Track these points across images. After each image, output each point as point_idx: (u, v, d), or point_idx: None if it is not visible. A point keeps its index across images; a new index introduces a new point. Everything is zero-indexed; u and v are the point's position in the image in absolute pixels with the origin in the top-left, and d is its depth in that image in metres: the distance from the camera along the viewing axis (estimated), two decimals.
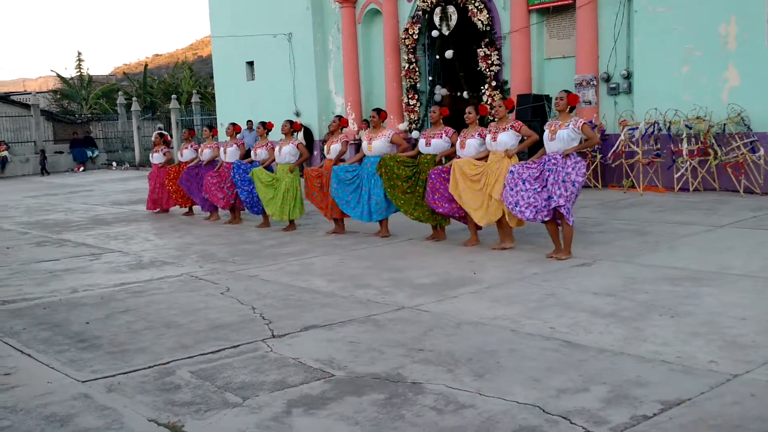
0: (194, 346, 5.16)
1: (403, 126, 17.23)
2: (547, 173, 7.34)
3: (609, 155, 12.93)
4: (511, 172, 7.51)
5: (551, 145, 7.38)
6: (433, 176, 8.47)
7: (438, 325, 5.39)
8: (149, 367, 4.74)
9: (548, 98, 13.86)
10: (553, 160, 7.33)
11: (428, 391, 4.08)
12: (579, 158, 7.30)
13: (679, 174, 12.26)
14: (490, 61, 15.22)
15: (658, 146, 12.58)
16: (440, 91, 16.82)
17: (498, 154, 7.88)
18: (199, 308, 6.27)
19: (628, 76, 13.43)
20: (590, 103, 13.85)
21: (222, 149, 11.62)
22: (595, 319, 5.29)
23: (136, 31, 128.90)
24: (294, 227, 10.54)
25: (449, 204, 8.36)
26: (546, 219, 7.46)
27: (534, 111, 13.68)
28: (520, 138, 7.88)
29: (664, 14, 12.64)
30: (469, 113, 8.35)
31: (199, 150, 12.39)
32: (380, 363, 4.59)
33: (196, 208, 13.05)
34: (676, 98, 12.47)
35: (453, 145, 8.51)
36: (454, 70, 16.81)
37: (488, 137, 8.00)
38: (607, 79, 13.72)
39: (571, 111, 7.55)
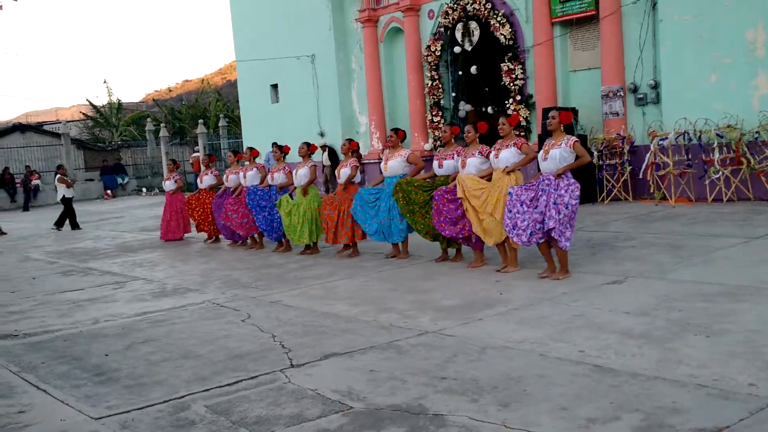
0: (211, 377, 5.03)
1: (428, 146, 17.10)
2: (541, 194, 7.16)
3: (643, 170, 12.60)
4: (510, 194, 7.35)
5: (544, 165, 7.19)
6: (436, 197, 8.32)
7: (462, 350, 5.20)
8: (165, 402, 4.62)
9: (575, 111, 13.62)
10: (546, 181, 7.14)
11: (451, 424, 3.89)
12: (573, 180, 7.09)
13: (710, 183, 11.92)
14: (514, 75, 15.05)
15: (689, 156, 12.27)
16: (464, 107, 16.67)
17: (500, 172, 7.69)
18: (218, 337, 6.15)
19: (656, 86, 13.15)
20: (618, 114, 13.59)
21: (242, 174, 11.43)
22: (627, 341, 5.06)
23: (165, 58, 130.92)
24: (316, 250, 10.37)
25: (453, 226, 8.19)
26: (542, 240, 7.26)
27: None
28: (521, 155, 7.63)
29: (690, 22, 12.38)
30: (468, 132, 8.18)
31: (224, 177, 12.16)
32: (401, 393, 4.42)
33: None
34: (705, 107, 12.16)
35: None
36: (478, 85, 16.66)
37: (492, 154, 7.82)
38: (635, 90, 13.46)
39: (565, 129, 7.36)
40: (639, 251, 8.34)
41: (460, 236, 8.26)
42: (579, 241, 9.33)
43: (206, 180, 12.76)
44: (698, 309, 5.70)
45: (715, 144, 11.78)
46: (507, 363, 4.83)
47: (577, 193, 7.05)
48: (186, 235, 13.60)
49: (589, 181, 13.25)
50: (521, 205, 7.25)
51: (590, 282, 7.00)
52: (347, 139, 10.16)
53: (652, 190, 12.73)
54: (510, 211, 7.34)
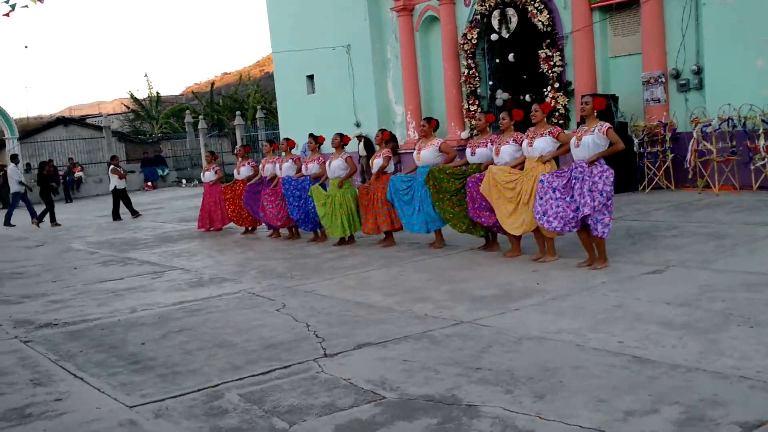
0: (245, 366, 5.04)
1: (465, 134, 16.94)
2: (574, 181, 7.03)
3: (688, 158, 12.29)
4: (541, 181, 7.24)
5: (577, 152, 7.07)
6: (470, 185, 8.23)
7: (497, 340, 5.12)
8: (198, 390, 4.63)
9: (615, 98, 13.36)
10: (579, 168, 7.00)
11: (484, 415, 3.82)
12: (606, 166, 6.95)
13: (755, 170, 11.60)
14: (552, 63, 14.81)
15: (734, 143, 11.94)
16: (501, 95, 16.47)
17: (533, 161, 7.55)
18: (253, 326, 6.16)
19: (699, 72, 12.82)
20: (659, 101, 13.29)
21: (278, 165, 11.40)
22: (667, 332, 4.93)
23: (205, 51, 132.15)
24: (353, 241, 10.30)
25: (490, 213, 8.08)
26: (575, 229, 7.14)
27: (599, 111, 13.15)
28: (557, 144, 7.49)
29: (734, 5, 12.02)
30: (503, 119, 8.05)
31: (260, 166, 12.17)
32: (434, 383, 4.36)
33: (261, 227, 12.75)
34: (751, 92, 11.81)
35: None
36: (516, 73, 16.44)
37: (525, 143, 7.67)
38: (677, 76, 13.14)
39: (598, 116, 7.22)
40: (680, 240, 8.14)
41: (497, 225, 8.16)
42: (619, 230, 9.15)
43: (243, 171, 12.73)
44: (742, 299, 5.53)
45: (761, 130, 11.45)
46: (543, 354, 4.74)
47: (612, 179, 6.90)
48: (224, 226, 13.67)
49: (630, 169, 12.99)
50: (553, 192, 7.14)
51: (630, 272, 6.84)
52: (380, 130, 10.09)
53: (691, 177, 12.42)
54: (541, 198, 7.22)
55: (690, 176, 12.56)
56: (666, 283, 6.29)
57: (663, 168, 12.82)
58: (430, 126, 9.18)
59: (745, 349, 4.45)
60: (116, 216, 17.77)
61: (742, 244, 7.63)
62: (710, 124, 12.05)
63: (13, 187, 18.37)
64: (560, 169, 7.33)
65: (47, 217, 17.90)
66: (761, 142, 11.42)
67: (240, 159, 13.04)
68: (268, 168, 11.79)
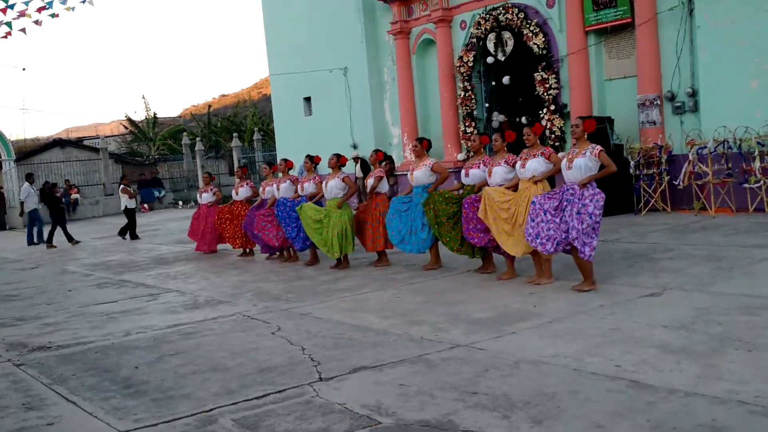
0: (239, 391, 4.98)
1: (461, 156, 16.97)
2: (565, 203, 7.06)
3: (680, 179, 12.33)
4: (533, 203, 7.28)
5: (569, 174, 7.10)
6: (466, 206, 8.27)
7: (494, 364, 5.08)
8: (192, 415, 4.58)
9: (610, 120, 13.41)
10: (570, 190, 7.04)
11: None
12: (598, 189, 6.99)
13: (751, 192, 11.61)
14: (548, 85, 14.88)
15: (729, 165, 11.97)
16: (498, 118, 16.53)
17: (526, 182, 7.58)
18: (248, 349, 6.11)
19: (694, 94, 12.89)
20: (655, 123, 13.34)
21: (275, 186, 11.35)
22: (665, 356, 4.90)
23: (203, 73, 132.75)
24: (347, 265, 10.15)
25: (483, 234, 8.10)
26: (567, 249, 7.18)
27: (595, 133, 13.20)
28: (550, 164, 7.52)
29: (728, 28, 12.11)
30: (496, 141, 8.12)
31: (260, 189, 12.04)
32: (431, 408, 4.31)
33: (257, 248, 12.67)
34: (746, 114, 11.86)
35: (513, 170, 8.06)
36: (512, 95, 16.52)
37: (518, 164, 7.71)
38: (672, 98, 13.21)
39: (589, 138, 7.26)
40: (677, 263, 8.12)
41: (491, 245, 8.15)
42: (616, 252, 9.14)
43: (242, 192, 12.71)
44: (739, 323, 5.51)
45: (756, 152, 11.49)
46: (540, 378, 4.70)
47: (602, 203, 6.95)
48: (220, 246, 13.62)
49: (626, 191, 13.01)
50: (545, 214, 7.15)
51: (627, 295, 6.82)
52: (374, 150, 10.25)
53: (685, 198, 12.43)
54: (533, 220, 7.25)
55: (684, 197, 12.58)
56: (663, 306, 6.26)
57: (659, 190, 12.83)
58: (422, 146, 9.28)
59: (743, 373, 4.42)
60: (134, 235, 17.80)
61: (739, 266, 7.62)
62: (706, 147, 12.09)
63: (30, 205, 18.41)
64: (552, 190, 7.35)
65: (51, 235, 17.88)
66: (756, 164, 11.45)
67: (238, 180, 13.00)
68: (268, 191, 11.71)
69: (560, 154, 7.74)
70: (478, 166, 8.40)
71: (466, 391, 4.57)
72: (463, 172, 8.64)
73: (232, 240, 12.80)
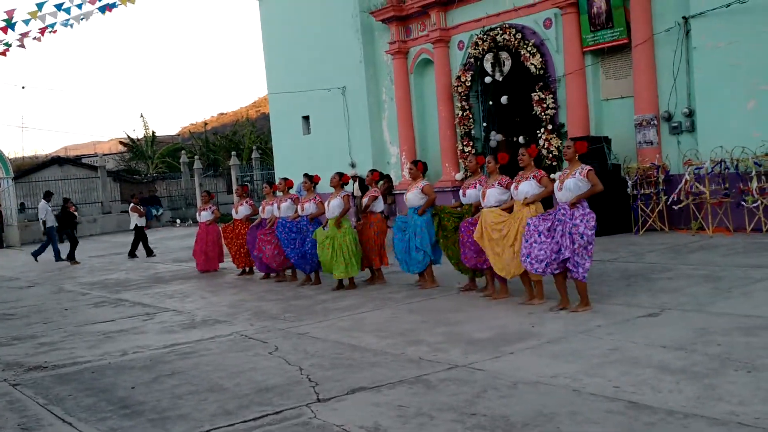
0: (236, 412, 4.95)
1: (459, 176, 17.00)
2: (557, 224, 7.13)
3: (673, 194, 12.38)
4: (528, 224, 7.33)
5: (560, 195, 7.18)
6: (462, 229, 8.37)
7: (493, 385, 5.05)
8: None
9: (607, 140, 13.45)
10: (562, 210, 7.12)
11: None
12: (588, 210, 7.05)
13: (749, 212, 11.62)
14: (545, 105, 14.95)
15: (727, 185, 12.00)
16: (495, 137, 16.59)
17: (519, 204, 7.64)
18: (245, 370, 6.08)
19: (691, 114, 12.94)
20: (652, 143, 13.39)
21: (275, 205, 11.24)
22: (664, 376, 4.88)
23: (202, 91, 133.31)
24: (353, 286, 9.91)
25: (476, 256, 8.18)
26: (556, 272, 7.20)
27: (592, 153, 13.26)
28: (541, 188, 7.56)
29: (724, 49, 12.18)
30: (489, 163, 8.24)
31: (260, 208, 11.93)
32: (429, 430, 4.29)
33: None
34: (743, 135, 11.90)
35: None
36: (509, 115, 16.58)
37: (513, 186, 7.77)
38: (669, 118, 13.26)
39: (580, 159, 7.35)
40: (676, 283, 8.12)
41: (483, 266, 8.21)
42: (614, 272, 9.14)
43: (242, 210, 12.64)
44: (739, 343, 5.49)
45: (753, 172, 11.52)
46: (539, 399, 4.68)
47: (593, 223, 7.00)
48: (221, 264, 13.61)
49: (624, 211, 13.03)
50: (539, 236, 7.20)
51: (625, 315, 6.81)
52: (370, 171, 10.36)
53: (683, 218, 12.44)
54: (527, 241, 7.30)
55: (681, 217, 12.60)
56: (662, 327, 6.25)
57: (657, 210, 12.85)
58: (417, 169, 9.46)
59: (743, 394, 4.40)
60: (149, 251, 17.83)
61: (737, 287, 7.61)
62: (703, 167, 12.12)
63: (49, 222, 18.51)
64: (547, 212, 7.40)
65: (73, 251, 18.01)
66: (753, 184, 11.48)
67: (238, 198, 12.93)
68: (267, 210, 11.60)
69: (556, 175, 7.79)
70: (475, 186, 8.49)
71: (465, 412, 4.55)
72: (461, 191, 8.69)
73: (236, 259, 12.69)
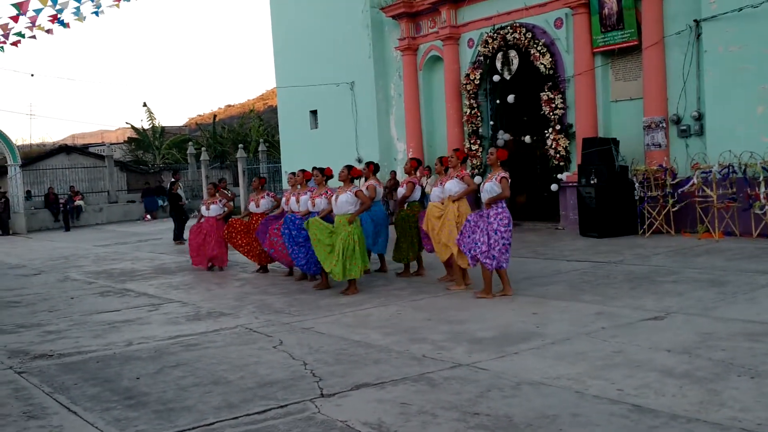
0: (240, 405, 4.98)
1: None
2: (480, 222, 8.17)
3: (682, 190, 12.38)
4: (468, 221, 8.29)
5: (483, 197, 8.21)
6: (421, 218, 9.50)
7: (496, 385, 5.07)
8: (193, 429, 4.57)
9: (615, 142, 13.44)
10: (485, 211, 8.15)
11: None
12: (502, 209, 8.06)
13: (756, 217, 11.60)
14: (553, 105, 14.92)
15: (734, 190, 11.99)
16: (503, 136, 16.57)
17: (446, 200, 8.82)
18: (249, 363, 6.11)
19: (700, 118, 12.91)
20: (660, 146, 13.36)
21: (294, 198, 10.48)
22: (667, 380, 4.89)
23: (210, 83, 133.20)
24: (355, 290, 9.19)
25: (430, 240, 9.37)
26: (477, 263, 8.19)
27: (600, 155, 13.27)
28: (464, 185, 8.66)
29: (735, 53, 12.15)
30: (450, 158, 9.11)
31: (284, 200, 10.99)
32: (432, 428, 4.31)
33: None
34: (752, 139, 11.88)
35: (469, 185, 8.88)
36: (517, 114, 16.57)
37: (441, 184, 8.94)
38: (677, 121, 13.23)
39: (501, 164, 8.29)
40: (681, 286, 8.12)
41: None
42: (619, 274, 9.15)
43: (263, 204, 11.81)
44: (743, 348, 5.50)
45: (761, 178, 11.50)
46: (542, 400, 4.69)
47: (506, 221, 8.01)
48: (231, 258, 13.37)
49: (630, 213, 13.02)
50: (472, 233, 8.17)
51: (629, 317, 6.82)
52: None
53: (689, 221, 12.42)
54: (468, 237, 8.20)
55: (688, 220, 12.57)
56: (666, 330, 6.26)
57: (663, 213, 12.83)
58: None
59: (746, 400, 4.41)
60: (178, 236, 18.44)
61: (742, 291, 7.61)
62: (710, 171, 12.10)
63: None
64: (480, 210, 8.34)
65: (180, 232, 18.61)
66: (761, 189, 11.46)
67: (256, 192, 12.08)
68: (303, 201, 10.42)
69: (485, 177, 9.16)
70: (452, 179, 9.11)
71: (468, 411, 4.56)
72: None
73: (248, 253, 12.02)
